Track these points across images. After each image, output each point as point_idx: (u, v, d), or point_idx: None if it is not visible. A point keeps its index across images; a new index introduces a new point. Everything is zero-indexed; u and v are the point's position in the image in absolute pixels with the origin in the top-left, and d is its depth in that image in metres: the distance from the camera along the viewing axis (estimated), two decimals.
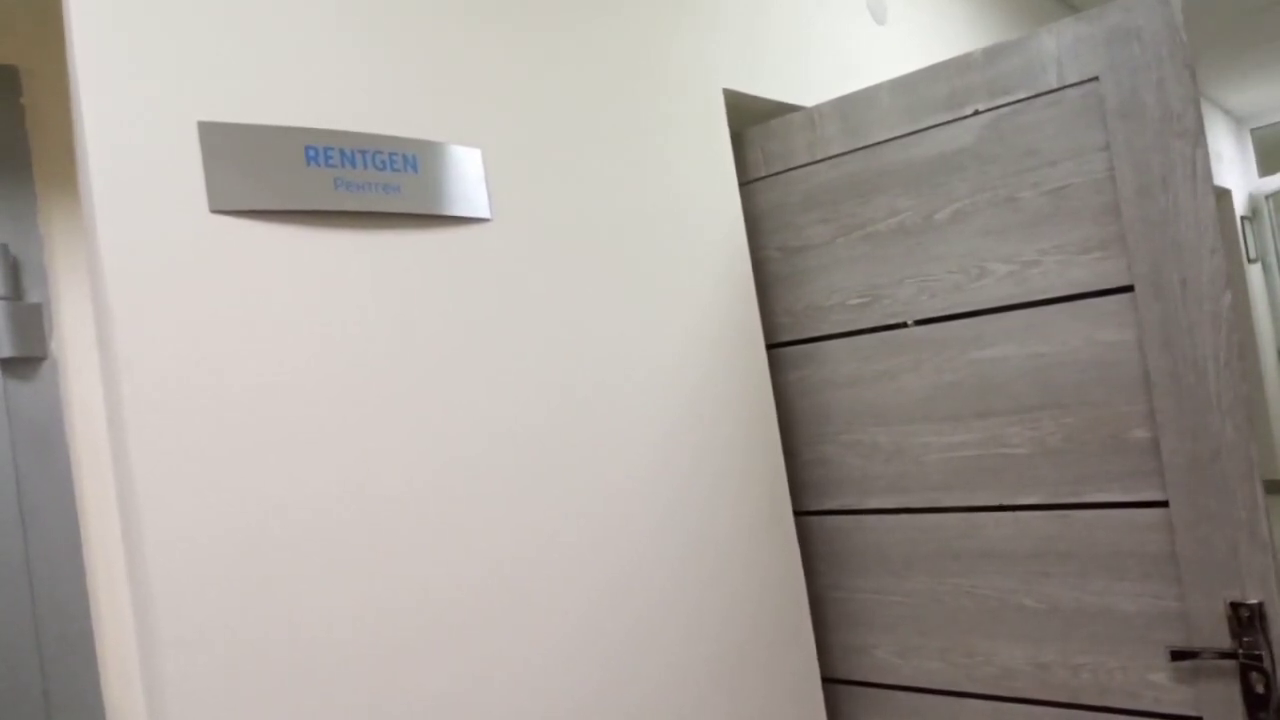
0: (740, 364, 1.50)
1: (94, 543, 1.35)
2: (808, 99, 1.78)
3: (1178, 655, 1.26)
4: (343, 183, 0.99)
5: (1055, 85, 1.33)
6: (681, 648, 1.30)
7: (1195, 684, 1.28)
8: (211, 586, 0.86)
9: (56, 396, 1.32)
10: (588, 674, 1.17)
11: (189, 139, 0.90)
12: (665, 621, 1.28)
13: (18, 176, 1.31)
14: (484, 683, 1.05)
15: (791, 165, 1.60)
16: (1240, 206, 5.90)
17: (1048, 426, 1.37)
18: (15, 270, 1.29)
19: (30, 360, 1.30)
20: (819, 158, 1.56)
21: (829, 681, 1.64)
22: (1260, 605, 1.21)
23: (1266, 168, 6.81)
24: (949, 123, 1.42)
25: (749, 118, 1.74)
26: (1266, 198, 6.11)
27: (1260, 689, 1.21)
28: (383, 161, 1.03)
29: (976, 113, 1.40)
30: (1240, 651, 1.22)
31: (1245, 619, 1.22)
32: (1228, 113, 6.13)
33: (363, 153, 1.02)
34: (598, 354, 1.26)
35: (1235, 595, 1.23)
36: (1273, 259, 6.10)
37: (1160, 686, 1.31)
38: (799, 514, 1.64)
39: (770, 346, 1.65)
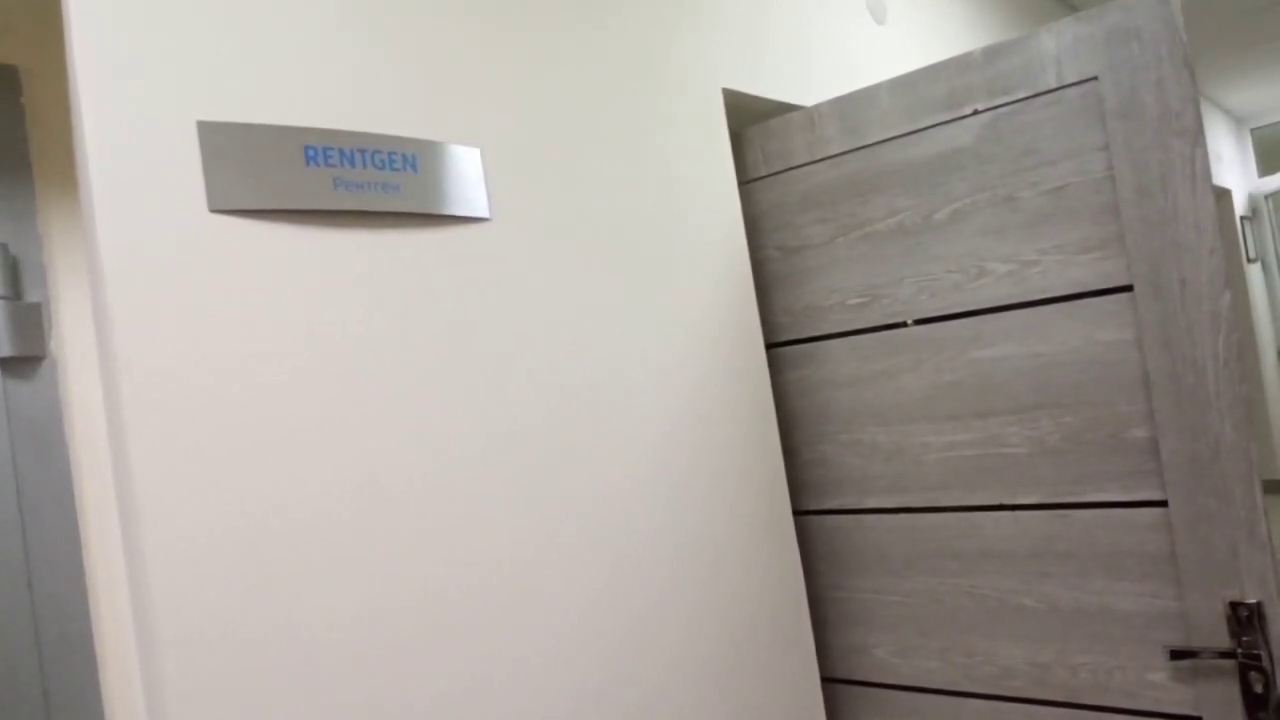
0: (740, 364, 1.50)
1: (93, 542, 1.35)
2: (807, 99, 1.78)
3: (1177, 655, 1.26)
4: (342, 182, 0.99)
5: (1054, 85, 1.33)
6: (681, 647, 1.30)
7: (1194, 683, 1.28)
8: (211, 586, 0.86)
9: (56, 396, 1.32)
10: (587, 673, 1.17)
11: (188, 138, 0.90)
12: (664, 621, 1.28)
13: (17, 176, 1.31)
14: (483, 682, 1.05)
15: (791, 165, 1.60)
16: (1240, 206, 5.90)
17: (1047, 426, 1.37)
18: (15, 269, 1.29)
19: (30, 360, 1.30)
20: (818, 157, 1.56)
21: (828, 681, 1.64)
22: (1259, 605, 1.21)
23: (1266, 168, 6.81)
24: (948, 122, 1.42)
25: (749, 117, 1.74)
26: (1266, 198, 6.11)
27: (1259, 688, 1.21)
28: (382, 161, 1.03)
29: (976, 112, 1.40)
30: (1239, 651, 1.22)
31: (1244, 619, 1.22)
32: (1227, 112, 6.13)
33: (362, 152, 1.02)
34: (597, 354, 1.26)
35: (1234, 595, 1.23)
36: (1272, 259, 6.10)
37: (1159, 686, 1.31)
38: (798, 513, 1.65)
39: (770, 346, 1.65)
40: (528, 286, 1.19)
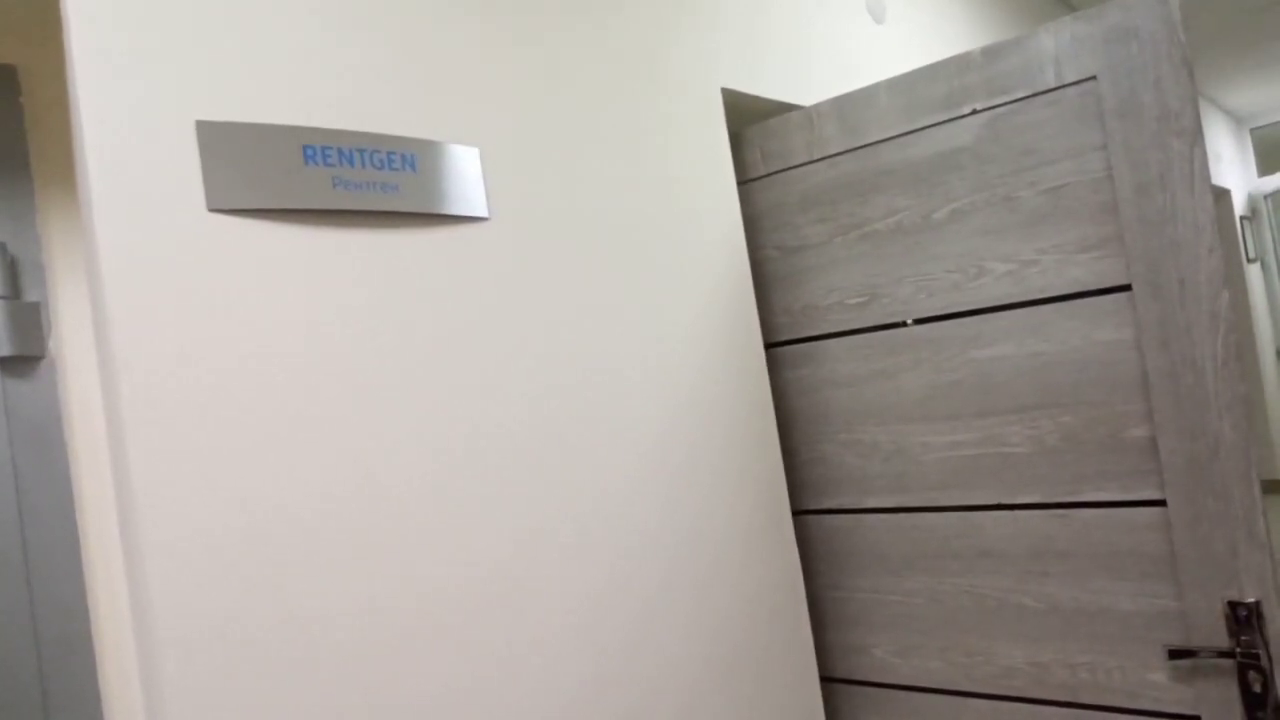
0: (739, 363, 1.50)
1: (93, 542, 1.35)
2: (807, 99, 1.78)
3: (1176, 654, 1.26)
4: (341, 182, 0.99)
5: (1053, 84, 1.33)
6: (680, 647, 1.30)
7: (1193, 683, 1.28)
8: (210, 586, 0.86)
9: (55, 395, 1.32)
10: (585, 672, 1.17)
11: (187, 138, 0.90)
12: (663, 620, 1.28)
13: (16, 175, 1.31)
14: (481, 681, 1.05)
15: (790, 164, 1.60)
16: (1239, 206, 5.90)
17: (1046, 426, 1.37)
18: (14, 269, 1.29)
19: (29, 359, 1.30)
20: (817, 157, 1.56)
21: (828, 681, 1.64)
22: (1258, 604, 1.21)
23: (1266, 167, 6.81)
24: (947, 122, 1.42)
25: (748, 117, 1.74)
26: (1266, 197, 6.11)
27: (1258, 688, 1.21)
28: (381, 160, 1.03)
29: (975, 112, 1.40)
30: (1238, 650, 1.22)
31: (1243, 618, 1.22)
32: (1227, 112, 6.13)
33: (361, 152, 1.02)
34: (595, 353, 1.26)
35: (1233, 594, 1.23)
36: (1272, 259, 6.10)
37: (1158, 685, 1.31)
38: (797, 513, 1.65)
39: (769, 346, 1.65)
40: (526, 286, 1.19)
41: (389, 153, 1.04)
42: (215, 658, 0.85)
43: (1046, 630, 1.40)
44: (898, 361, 1.50)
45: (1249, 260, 5.81)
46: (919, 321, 1.48)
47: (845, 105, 1.52)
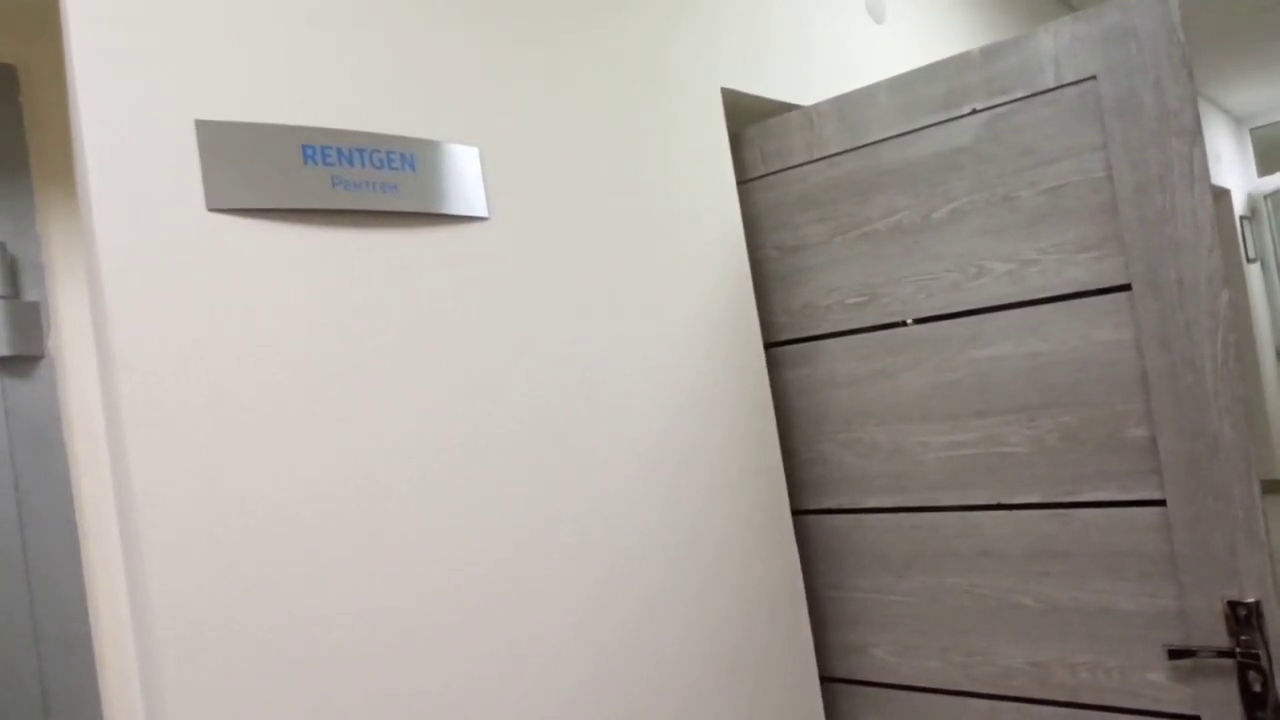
0: (738, 363, 1.50)
1: (92, 542, 1.35)
2: (806, 98, 1.78)
3: (1175, 654, 1.26)
4: (340, 181, 0.99)
5: (1053, 84, 1.33)
6: (679, 646, 1.30)
7: (1193, 683, 1.28)
8: (209, 586, 0.86)
9: (54, 395, 1.32)
10: (585, 672, 1.17)
11: (186, 137, 0.90)
12: (662, 620, 1.28)
13: (16, 175, 1.31)
14: (480, 681, 1.05)
15: (789, 164, 1.60)
16: (1239, 206, 5.90)
17: (1045, 425, 1.37)
18: (13, 268, 1.29)
19: (28, 359, 1.30)
20: (817, 157, 1.56)
21: (827, 681, 1.64)
22: (1257, 604, 1.21)
23: (1265, 167, 6.81)
24: (946, 122, 1.42)
25: (747, 117, 1.74)
26: (1265, 197, 6.11)
27: (1258, 687, 1.21)
28: (380, 160, 1.03)
29: (974, 112, 1.40)
30: (1238, 650, 1.22)
31: (1242, 618, 1.22)
32: (1227, 112, 6.13)
33: (360, 151, 1.02)
34: (595, 352, 1.26)
35: (1233, 594, 1.23)
36: (1271, 259, 6.10)
37: (1158, 685, 1.31)
38: (797, 513, 1.65)
39: (768, 345, 1.65)
40: (526, 285, 1.19)
41: (388, 152, 1.04)
42: (215, 658, 0.85)
43: (1046, 630, 1.40)
44: (897, 361, 1.50)
45: (1249, 260, 5.81)
46: (919, 321, 1.48)
47: (845, 105, 1.52)
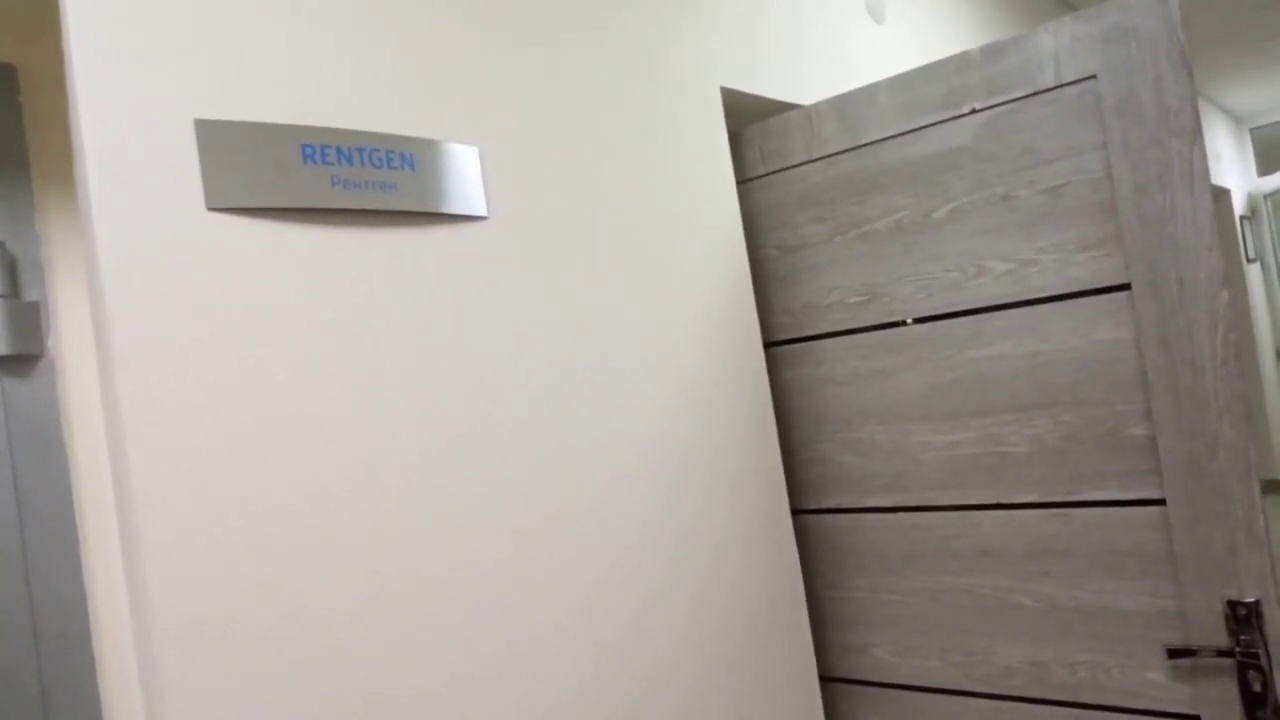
0: (738, 362, 1.50)
1: (92, 541, 1.35)
2: (806, 98, 1.78)
3: (1175, 654, 1.26)
4: (340, 181, 0.99)
5: (1053, 84, 1.33)
6: (678, 646, 1.30)
7: (1192, 682, 1.28)
8: (209, 585, 0.86)
9: (54, 395, 1.32)
10: (585, 671, 1.17)
11: (186, 137, 0.90)
12: (662, 619, 1.28)
13: (15, 174, 1.31)
14: (480, 680, 1.05)
15: (789, 164, 1.60)
16: (1239, 206, 5.90)
17: (1045, 425, 1.37)
18: (13, 268, 1.29)
19: (28, 358, 1.30)
20: (816, 156, 1.56)
21: (827, 680, 1.64)
22: (1257, 603, 1.21)
23: (1265, 167, 6.81)
24: (946, 121, 1.42)
25: (747, 116, 1.74)
26: (1265, 197, 6.11)
27: (1257, 687, 1.21)
28: (380, 159, 1.03)
29: (974, 111, 1.40)
30: (1237, 650, 1.22)
31: (1242, 617, 1.22)
32: (1227, 112, 6.13)
33: (360, 151, 1.02)
34: (594, 351, 1.26)
35: (1232, 594, 1.23)
36: (1271, 259, 6.10)
37: (1158, 685, 1.31)
38: (797, 512, 1.65)
39: (768, 345, 1.65)
40: (526, 284, 1.19)
41: (388, 152, 1.04)
42: (215, 657, 0.85)
43: (1046, 630, 1.40)
44: (897, 361, 1.50)
45: (1249, 260, 5.81)
46: (918, 321, 1.48)
47: (845, 105, 1.52)
